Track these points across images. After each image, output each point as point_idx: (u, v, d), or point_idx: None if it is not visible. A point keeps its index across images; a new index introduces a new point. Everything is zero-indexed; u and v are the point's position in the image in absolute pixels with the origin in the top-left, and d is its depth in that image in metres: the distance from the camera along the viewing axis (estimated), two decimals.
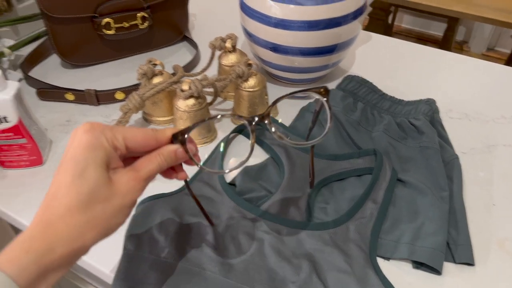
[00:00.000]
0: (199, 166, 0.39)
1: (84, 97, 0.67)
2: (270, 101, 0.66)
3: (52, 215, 0.31)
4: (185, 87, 0.57)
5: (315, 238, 0.46)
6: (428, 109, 0.61)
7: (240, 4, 0.66)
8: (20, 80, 0.72)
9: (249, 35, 0.67)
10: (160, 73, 0.62)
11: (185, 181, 0.41)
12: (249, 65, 0.61)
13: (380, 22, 2.09)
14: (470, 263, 0.45)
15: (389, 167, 0.53)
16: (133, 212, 0.48)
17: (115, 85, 0.69)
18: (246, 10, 0.64)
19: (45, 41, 0.79)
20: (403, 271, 0.45)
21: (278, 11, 0.60)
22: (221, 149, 0.58)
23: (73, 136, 0.34)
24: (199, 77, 0.60)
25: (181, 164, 0.40)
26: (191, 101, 0.58)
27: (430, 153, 0.55)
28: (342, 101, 0.63)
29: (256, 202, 0.50)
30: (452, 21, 2.04)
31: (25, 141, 0.54)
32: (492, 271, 0.45)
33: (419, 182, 0.51)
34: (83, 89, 0.66)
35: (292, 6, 0.59)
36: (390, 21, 2.34)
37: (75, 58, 0.75)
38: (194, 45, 0.81)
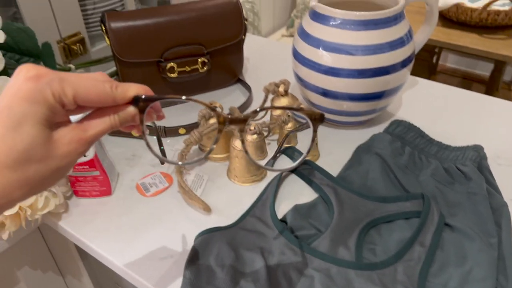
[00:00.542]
0: (149, 146, 0.36)
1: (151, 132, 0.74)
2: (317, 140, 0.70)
3: None
4: (252, 128, 0.64)
5: (363, 278, 0.47)
6: (476, 156, 0.62)
7: (293, 52, 0.72)
8: None
9: (301, 80, 0.71)
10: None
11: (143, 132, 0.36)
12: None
13: (425, 63, 2.09)
14: None
15: (437, 211, 0.54)
16: (192, 243, 0.52)
17: (174, 122, 0.75)
18: (298, 57, 0.69)
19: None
20: None
21: (329, 60, 0.64)
22: (274, 188, 0.61)
23: (14, 79, 0.29)
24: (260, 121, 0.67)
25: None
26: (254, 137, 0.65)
27: (478, 199, 0.56)
28: (390, 144, 0.65)
29: (307, 240, 0.53)
30: (500, 62, 2.02)
31: (98, 173, 0.59)
32: None
33: (467, 227, 0.52)
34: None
35: (342, 55, 0.63)
36: (434, 60, 2.34)
37: None
38: (247, 87, 0.86)
